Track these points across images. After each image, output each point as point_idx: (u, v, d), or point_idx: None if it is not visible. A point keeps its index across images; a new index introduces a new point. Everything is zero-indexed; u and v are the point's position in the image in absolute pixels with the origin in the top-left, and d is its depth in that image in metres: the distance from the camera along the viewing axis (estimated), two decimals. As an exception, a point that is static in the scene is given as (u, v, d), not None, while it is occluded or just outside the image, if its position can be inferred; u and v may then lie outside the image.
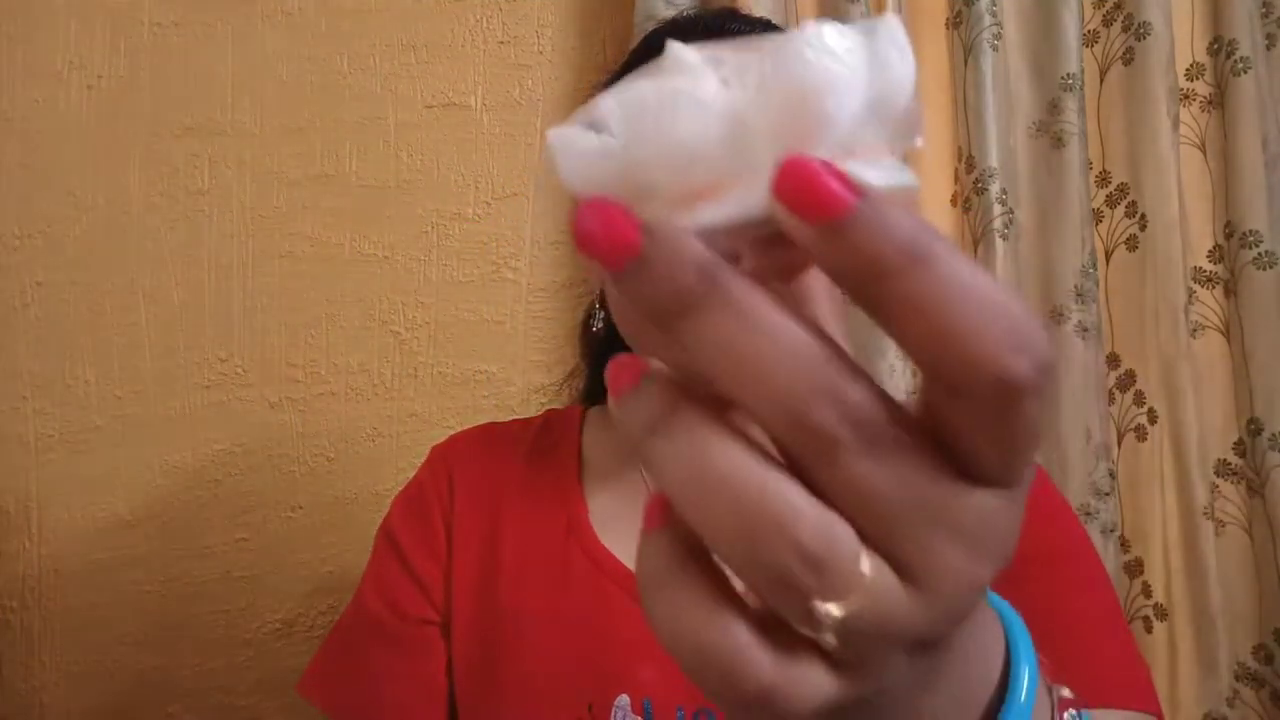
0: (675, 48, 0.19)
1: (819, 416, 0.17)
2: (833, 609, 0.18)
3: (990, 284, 0.17)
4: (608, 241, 0.17)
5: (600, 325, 0.61)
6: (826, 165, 0.17)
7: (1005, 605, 0.28)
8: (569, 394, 0.78)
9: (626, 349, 0.60)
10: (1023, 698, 0.25)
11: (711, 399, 0.19)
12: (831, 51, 0.17)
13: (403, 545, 0.61)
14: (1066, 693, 0.28)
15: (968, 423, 0.18)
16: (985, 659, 0.25)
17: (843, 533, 0.18)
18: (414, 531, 0.61)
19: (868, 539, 0.18)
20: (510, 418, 0.85)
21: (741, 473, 0.18)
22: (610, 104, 0.18)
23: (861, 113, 0.18)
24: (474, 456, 0.64)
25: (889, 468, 0.18)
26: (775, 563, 0.18)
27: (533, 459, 0.64)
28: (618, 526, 0.58)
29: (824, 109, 0.17)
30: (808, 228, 0.17)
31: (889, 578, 0.18)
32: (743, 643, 0.18)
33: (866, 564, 0.18)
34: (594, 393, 0.72)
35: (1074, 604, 0.52)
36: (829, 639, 0.18)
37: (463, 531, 0.60)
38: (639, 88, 0.18)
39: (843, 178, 0.16)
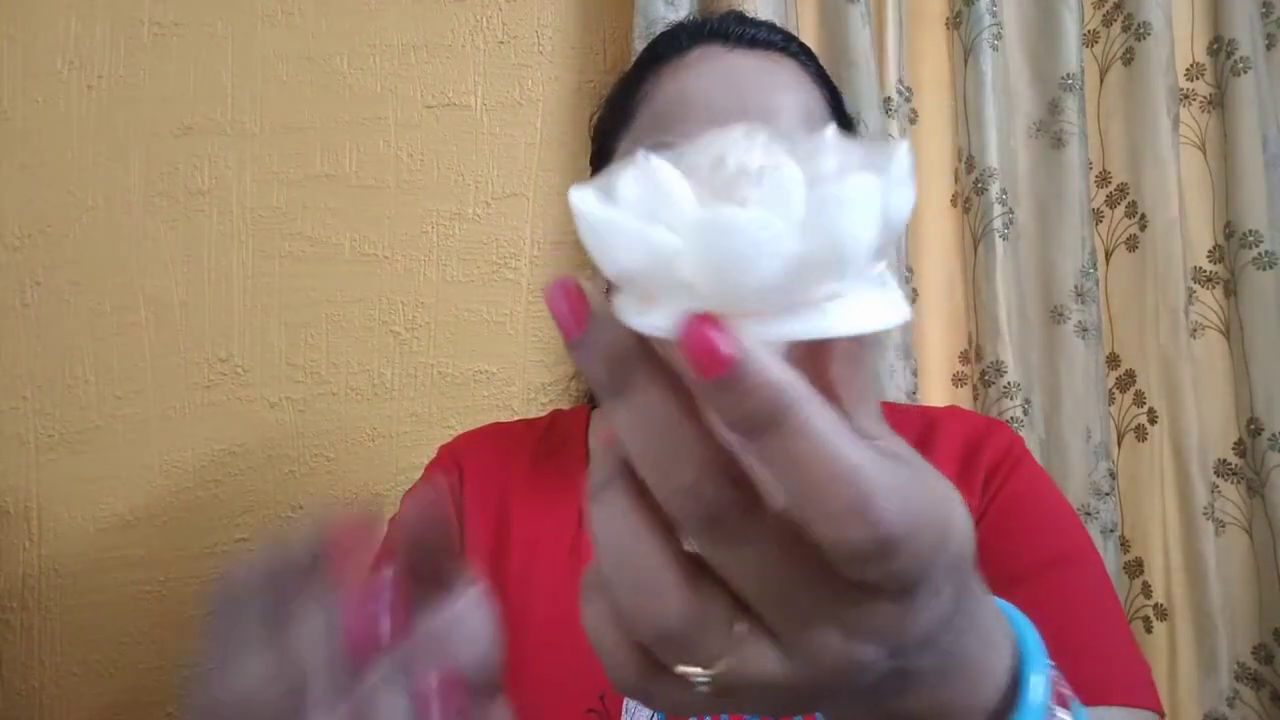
0: (653, 164, 0.20)
1: (685, 506, 0.20)
2: (694, 671, 0.21)
3: (844, 450, 0.19)
4: (565, 316, 0.20)
5: None
6: (713, 330, 0.18)
7: (1019, 615, 0.29)
8: (573, 393, 0.78)
9: None
10: (1034, 699, 0.26)
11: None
12: (757, 238, 0.18)
13: None
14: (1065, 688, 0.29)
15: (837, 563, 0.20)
16: (976, 671, 0.26)
17: (711, 612, 0.21)
18: None
19: (746, 608, 0.21)
20: (511, 417, 0.85)
21: (635, 557, 0.21)
22: (578, 207, 0.21)
23: (795, 268, 0.19)
24: (482, 455, 0.64)
25: (749, 559, 0.20)
26: (645, 638, 0.21)
27: (539, 459, 0.64)
28: None
29: (743, 278, 0.19)
30: (692, 377, 0.19)
31: (760, 643, 0.21)
32: (624, 655, 0.22)
33: (740, 630, 0.21)
34: None
35: (1077, 606, 0.53)
36: (701, 684, 0.21)
37: (473, 528, 0.60)
38: (598, 211, 0.20)
39: (714, 346, 0.18)
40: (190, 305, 0.94)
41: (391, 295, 0.96)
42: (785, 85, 0.53)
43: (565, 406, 0.82)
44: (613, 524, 0.21)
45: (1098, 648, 0.51)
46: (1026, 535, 0.54)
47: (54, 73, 0.93)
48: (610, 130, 0.59)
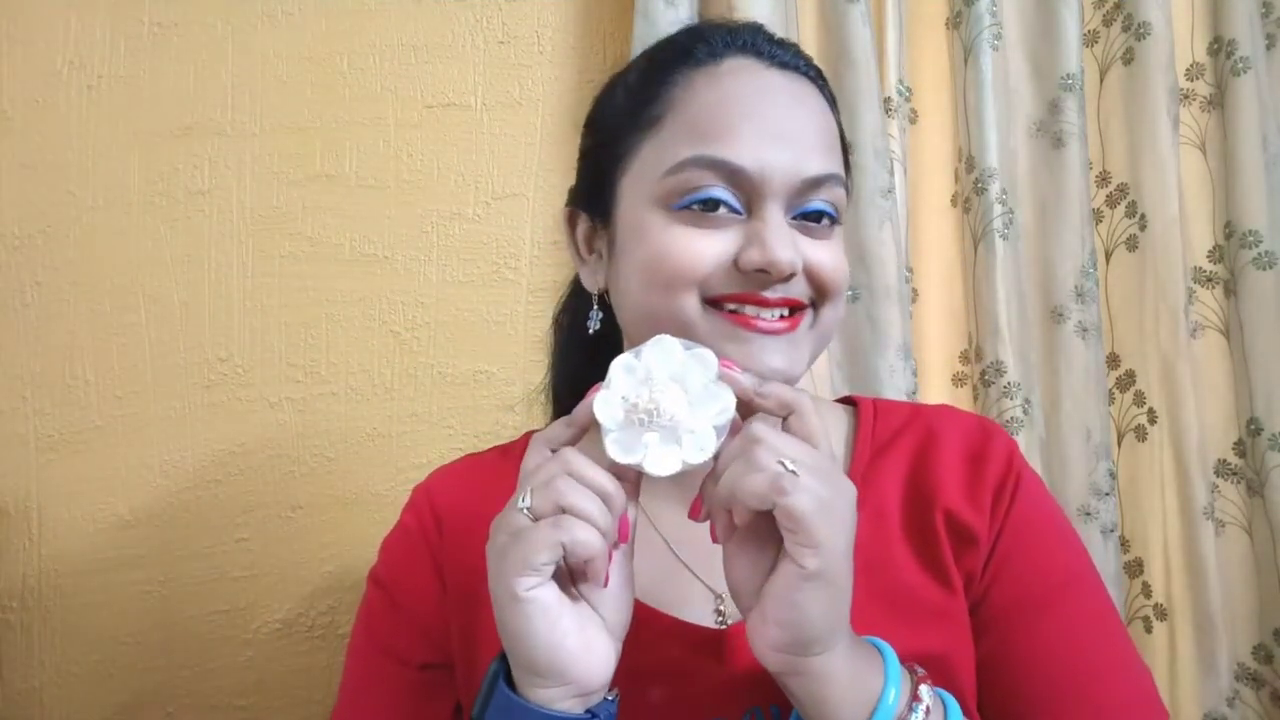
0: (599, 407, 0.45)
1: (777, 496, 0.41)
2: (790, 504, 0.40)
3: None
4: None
5: (598, 325, 0.60)
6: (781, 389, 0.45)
7: (887, 647, 0.45)
8: (546, 405, 0.75)
9: (618, 351, 0.58)
10: (890, 701, 0.42)
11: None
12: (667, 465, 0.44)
13: (396, 591, 0.59)
14: (920, 672, 0.45)
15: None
16: (865, 684, 0.43)
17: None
18: (406, 576, 0.60)
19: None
20: (510, 417, 0.85)
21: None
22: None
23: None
24: (458, 492, 0.62)
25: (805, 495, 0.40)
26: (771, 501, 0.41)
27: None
28: None
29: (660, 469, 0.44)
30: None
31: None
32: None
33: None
34: (572, 392, 0.67)
35: (1085, 632, 0.53)
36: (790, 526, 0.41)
37: (456, 570, 0.58)
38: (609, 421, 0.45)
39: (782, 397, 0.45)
40: (190, 305, 0.94)
41: (391, 295, 0.96)
42: (813, 111, 0.54)
43: (540, 425, 0.80)
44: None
45: (1102, 674, 0.52)
46: (1038, 558, 0.55)
47: (54, 73, 0.93)
48: (628, 125, 0.55)
